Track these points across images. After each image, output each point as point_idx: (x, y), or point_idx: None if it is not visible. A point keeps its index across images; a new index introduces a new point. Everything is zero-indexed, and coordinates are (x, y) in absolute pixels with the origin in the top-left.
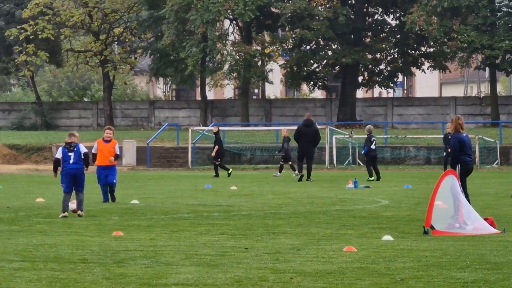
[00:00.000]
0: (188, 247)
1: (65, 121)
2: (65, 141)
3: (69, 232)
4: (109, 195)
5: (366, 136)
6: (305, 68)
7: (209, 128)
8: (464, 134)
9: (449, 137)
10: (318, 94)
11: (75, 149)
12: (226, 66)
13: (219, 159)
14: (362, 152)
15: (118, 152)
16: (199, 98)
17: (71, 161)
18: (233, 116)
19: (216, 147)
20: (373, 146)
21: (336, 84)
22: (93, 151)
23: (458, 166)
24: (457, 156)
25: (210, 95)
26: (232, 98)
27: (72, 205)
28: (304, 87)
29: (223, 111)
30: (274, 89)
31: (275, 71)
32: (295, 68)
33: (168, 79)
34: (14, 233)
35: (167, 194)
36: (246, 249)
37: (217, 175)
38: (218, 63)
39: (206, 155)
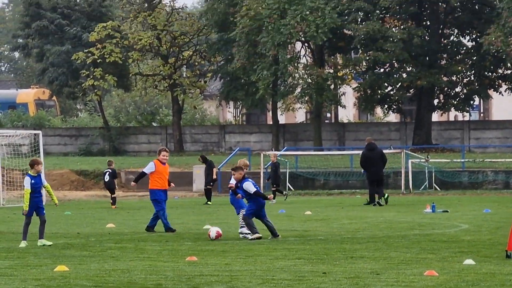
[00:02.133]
0: (265, 272)
1: (134, 146)
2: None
3: (142, 257)
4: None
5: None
6: (379, 91)
7: (282, 152)
8: None
9: None
10: (393, 117)
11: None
12: (298, 90)
13: (211, 184)
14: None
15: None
16: (270, 122)
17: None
18: (305, 141)
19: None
20: None
21: (411, 107)
22: (146, 170)
23: None
24: None
25: (282, 119)
26: (304, 122)
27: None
28: (378, 110)
29: (295, 135)
30: (347, 112)
31: (348, 94)
32: (369, 91)
33: (238, 103)
34: (85, 259)
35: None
36: (324, 274)
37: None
38: (290, 87)
39: None
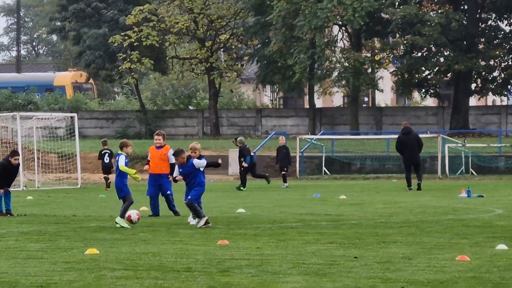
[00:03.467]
0: (296, 256)
1: (170, 130)
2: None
3: (173, 240)
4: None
5: (242, 148)
6: (417, 75)
7: (318, 136)
8: None
9: None
10: (430, 102)
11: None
12: (335, 73)
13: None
14: (245, 164)
15: (172, 161)
16: (307, 106)
17: None
18: (342, 125)
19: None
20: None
21: (448, 91)
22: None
23: None
24: None
25: (319, 103)
26: (341, 106)
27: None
28: (416, 94)
29: (332, 119)
30: (385, 97)
31: (385, 78)
32: (406, 75)
33: (275, 86)
34: (116, 242)
35: (274, 203)
36: (355, 258)
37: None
38: (326, 70)
39: (315, 164)
